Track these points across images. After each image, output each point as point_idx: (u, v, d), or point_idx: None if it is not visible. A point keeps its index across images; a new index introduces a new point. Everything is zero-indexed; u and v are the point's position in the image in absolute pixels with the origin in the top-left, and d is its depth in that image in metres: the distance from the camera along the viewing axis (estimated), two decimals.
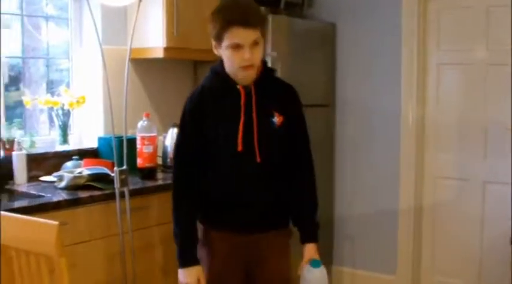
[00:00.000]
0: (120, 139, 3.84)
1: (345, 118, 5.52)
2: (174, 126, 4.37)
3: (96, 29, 3.65)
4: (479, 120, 4.91)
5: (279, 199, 2.89)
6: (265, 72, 2.88)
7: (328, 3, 5.58)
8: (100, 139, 4.40)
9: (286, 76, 4.81)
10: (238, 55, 2.68)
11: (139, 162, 4.08)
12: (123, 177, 3.61)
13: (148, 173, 4.09)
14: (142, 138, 4.07)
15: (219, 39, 2.70)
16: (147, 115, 4.12)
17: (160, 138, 4.44)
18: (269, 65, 4.68)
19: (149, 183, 3.98)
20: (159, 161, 4.35)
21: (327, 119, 5.49)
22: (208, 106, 2.80)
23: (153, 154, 4.11)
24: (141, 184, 3.93)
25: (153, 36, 4.41)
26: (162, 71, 4.91)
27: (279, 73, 4.77)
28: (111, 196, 3.62)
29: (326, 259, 4.56)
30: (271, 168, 2.84)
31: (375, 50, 5.26)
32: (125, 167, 3.65)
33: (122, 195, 3.63)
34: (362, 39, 5.33)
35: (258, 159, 2.77)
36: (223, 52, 2.73)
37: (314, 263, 2.83)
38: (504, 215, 4.69)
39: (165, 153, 4.39)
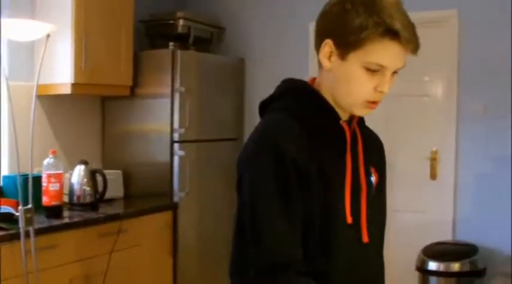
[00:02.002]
0: (25, 178, 3.76)
1: None
2: (81, 163, 4.33)
3: (1, 64, 3.60)
4: (391, 151, 5.04)
5: None
6: None
7: (237, 38, 5.66)
8: (5, 177, 4.29)
9: (196, 111, 4.86)
10: (371, 82, 1.71)
11: (45, 200, 3.99)
12: (29, 215, 3.53)
13: (54, 211, 4.00)
14: (49, 176, 3.99)
15: (353, 45, 1.68)
16: (54, 153, 4.05)
17: (67, 175, 4.37)
18: (178, 100, 4.84)
19: (55, 222, 3.89)
20: (66, 199, 4.27)
21: (236, 153, 5.47)
22: (309, 150, 1.73)
23: (60, 192, 4.03)
24: (47, 223, 3.84)
25: (60, 72, 4.36)
26: (69, 107, 4.84)
27: (187, 110, 4.82)
28: (16, 236, 3.52)
29: None
30: (375, 252, 1.93)
31: None
32: (30, 206, 3.57)
33: (28, 234, 3.55)
34: (271, 73, 5.41)
35: (365, 238, 1.83)
36: (345, 68, 1.72)
37: None
38: (410, 243, 4.82)
39: (71, 190, 4.32)
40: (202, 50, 5.32)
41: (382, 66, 1.69)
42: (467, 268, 4.43)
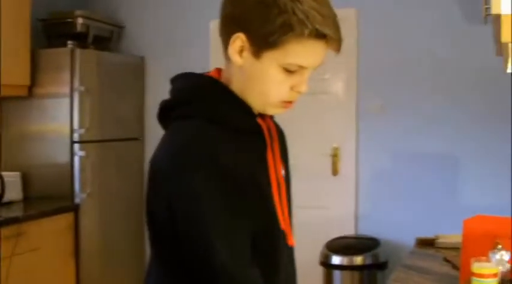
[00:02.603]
0: None
1: None
2: None
3: None
4: (293, 148, 5.09)
5: None
6: None
7: (137, 36, 5.61)
8: None
9: (96, 111, 4.78)
10: (288, 82, 1.53)
11: None
12: None
13: None
14: None
15: (272, 45, 1.48)
16: None
17: None
18: (78, 100, 4.75)
19: None
20: None
21: (138, 153, 5.47)
22: (238, 156, 1.55)
23: None
24: None
25: None
26: None
27: (87, 110, 4.73)
28: None
29: None
30: (293, 254, 1.86)
31: None
32: None
33: None
34: (171, 71, 5.28)
35: (291, 241, 1.73)
36: (259, 67, 1.53)
37: None
38: (313, 238, 4.87)
39: None
40: (102, 49, 5.24)
41: (302, 67, 1.52)
42: (369, 261, 4.52)
